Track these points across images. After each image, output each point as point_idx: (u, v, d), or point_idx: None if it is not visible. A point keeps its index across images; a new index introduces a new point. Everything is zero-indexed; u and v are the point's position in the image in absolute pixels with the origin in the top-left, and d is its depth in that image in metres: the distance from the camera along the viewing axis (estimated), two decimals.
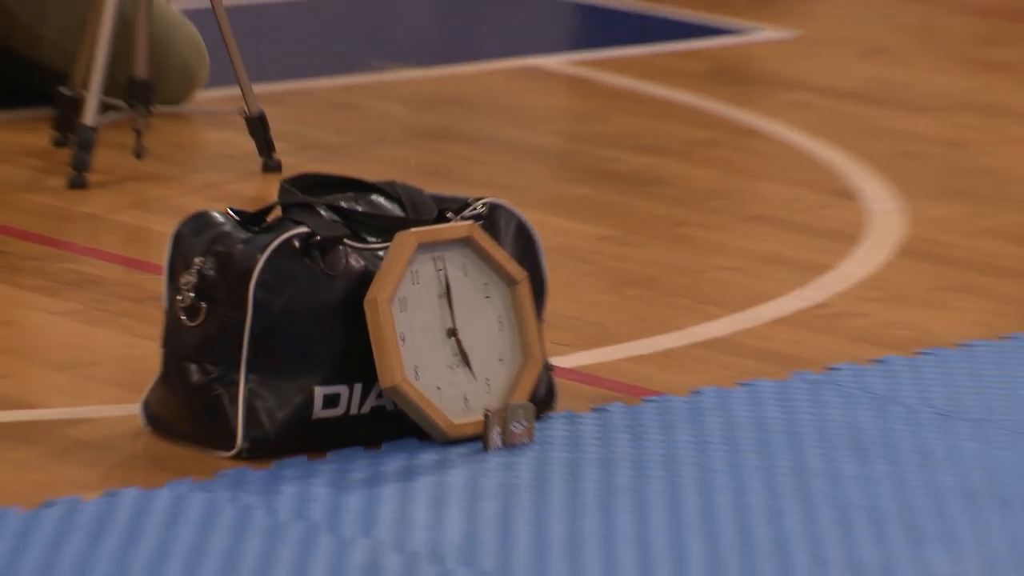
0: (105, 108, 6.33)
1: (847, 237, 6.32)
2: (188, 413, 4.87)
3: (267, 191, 5.10)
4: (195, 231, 4.85)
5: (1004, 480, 5.01)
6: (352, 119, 6.70)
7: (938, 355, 5.65)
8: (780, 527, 4.59)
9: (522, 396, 4.90)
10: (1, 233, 6.11)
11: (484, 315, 4.91)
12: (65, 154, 6.41)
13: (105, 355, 5.31)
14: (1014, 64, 8.05)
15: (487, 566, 4.34)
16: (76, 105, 6.38)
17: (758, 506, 4.70)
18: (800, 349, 5.51)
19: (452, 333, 4.86)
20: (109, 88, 6.36)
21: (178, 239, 4.84)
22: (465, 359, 4.86)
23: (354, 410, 4.84)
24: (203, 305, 4.76)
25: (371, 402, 4.83)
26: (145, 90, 6.47)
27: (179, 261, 4.84)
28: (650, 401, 5.27)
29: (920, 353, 5.64)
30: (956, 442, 5.18)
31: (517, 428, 4.86)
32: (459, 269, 4.88)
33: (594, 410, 5.14)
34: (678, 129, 7.11)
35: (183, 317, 4.79)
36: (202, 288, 4.77)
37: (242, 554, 4.30)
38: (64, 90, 6.37)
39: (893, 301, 5.95)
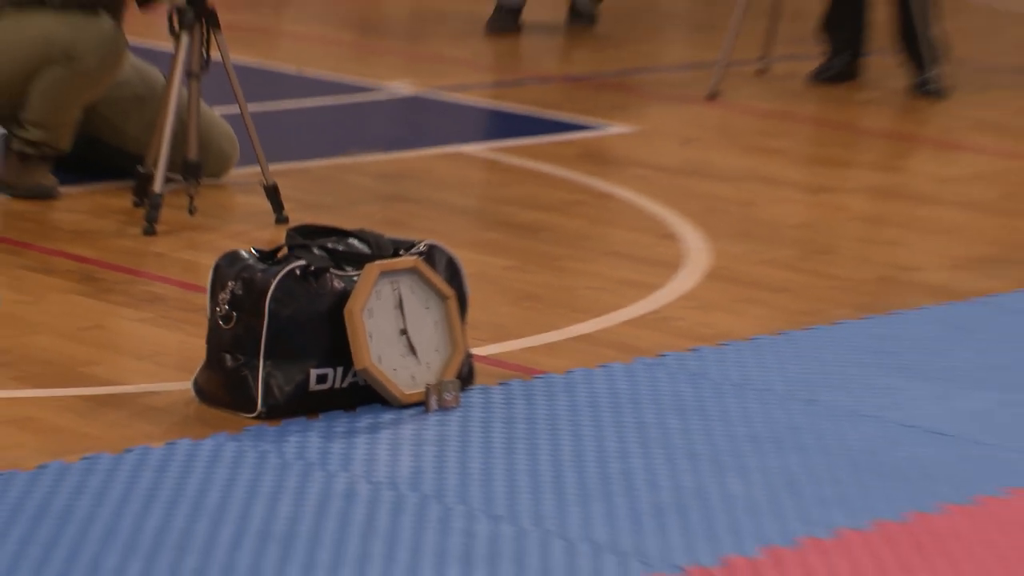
0: (168, 180, 6.34)
1: (672, 266, 6.36)
2: (224, 388, 4.99)
3: (278, 237, 5.13)
4: (229, 263, 4.97)
5: (778, 430, 5.07)
6: (335, 187, 6.73)
7: (734, 346, 5.70)
8: (627, 463, 4.69)
9: (451, 375, 5.05)
10: (97, 266, 6.12)
11: (425, 320, 5.04)
12: (141, 212, 6.41)
13: (168, 348, 5.33)
14: (784, 149, 8.08)
15: (427, 490, 4.44)
16: (148, 179, 6.38)
17: (612, 448, 4.84)
18: (641, 342, 5.57)
19: (403, 332, 4.99)
20: (171, 167, 6.37)
21: (217, 269, 4.94)
22: (412, 350, 4.99)
23: (338, 385, 4.97)
24: (234, 314, 4.87)
25: (349, 379, 4.96)
26: (195, 168, 6.48)
27: (218, 284, 4.94)
28: (538, 378, 5.32)
29: (722, 344, 5.67)
30: (747, 404, 5.24)
31: (448, 396, 5.01)
32: (408, 289, 5.03)
33: (500, 384, 5.22)
34: (558, 193, 7.14)
35: (221, 322, 4.91)
36: (234, 302, 4.89)
37: (261, 483, 4.42)
38: (141, 168, 6.37)
39: (703, 309, 5.99)
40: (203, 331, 4.95)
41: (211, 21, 6.51)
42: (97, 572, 4.00)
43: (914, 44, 8.97)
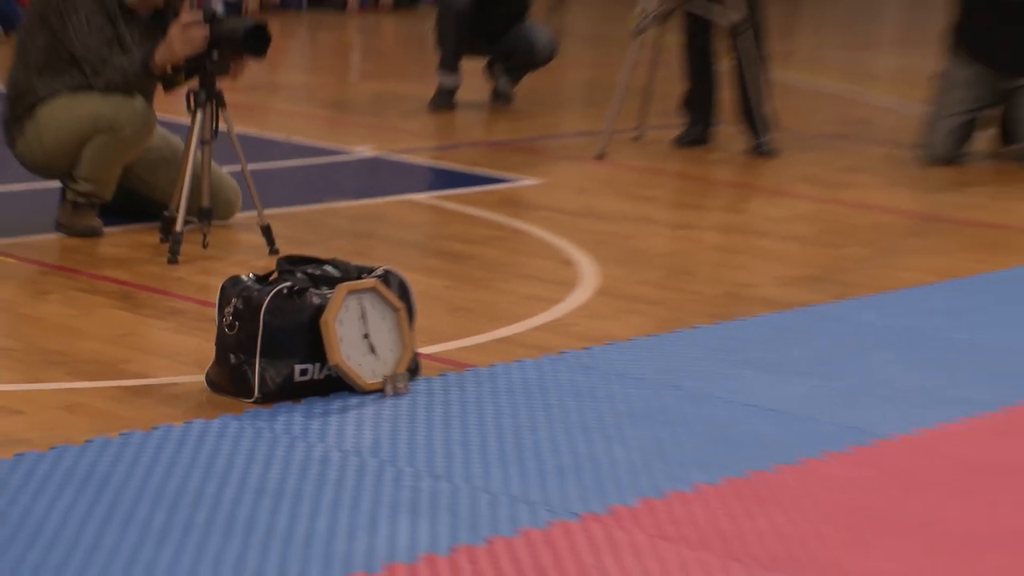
0: (186, 222, 6.30)
1: (570, 285, 6.33)
2: (229, 379, 4.99)
3: (271, 264, 5.08)
4: (232, 285, 5.00)
5: (651, 409, 5.16)
6: (315, 227, 6.67)
7: (616, 345, 5.71)
8: (536, 434, 4.83)
9: (402, 369, 5.06)
10: (132, 287, 6.07)
11: (382, 327, 5.06)
12: (166, 246, 6.35)
13: (186, 350, 5.29)
14: (655, 196, 8.02)
15: (384, 456, 4.44)
16: (172, 221, 6.32)
17: (524, 423, 4.95)
18: (546, 343, 5.53)
19: (366, 337, 5.02)
20: (188, 211, 6.33)
21: (223, 289, 4.95)
22: (373, 350, 5.01)
23: (316, 377, 4.98)
24: (237, 323, 4.89)
25: (324, 372, 4.97)
26: (207, 213, 6.43)
27: (224, 300, 4.96)
28: (468, 370, 5.31)
29: (608, 344, 5.65)
30: (627, 390, 5.24)
31: (400, 385, 5.04)
32: (369, 303, 5.05)
33: (439, 375, 5.21)
34: (483, 230, 7.09)
35: (226, 329, 4.91)
36: (236, 315, 4.92)
37: (257, 452, 4.43)
38: (166, 213, 6.32)
39: (593, 318, 5.96)
40: (213, 336, 4.94)
41: (219, 101, 6.48)
42: (130, 522, 3.97)
43: (751, 117, 8.96)
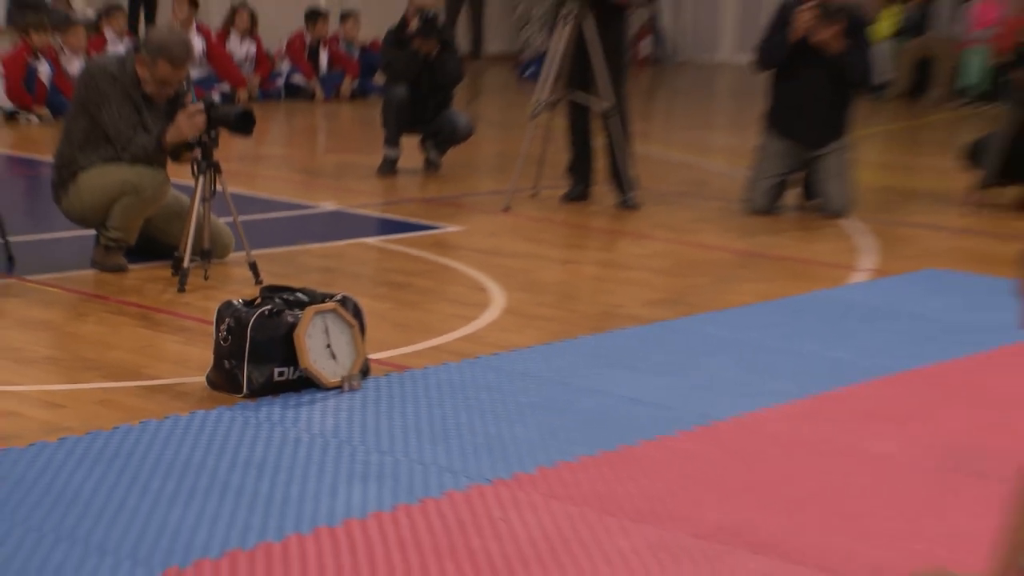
0: (192, 260, 6.24)
1: (483, 306, 6.31)
2: (224, 380, 4.99)
3: (256, 292, 5.03)
4: (226, 307, 5.03)
5: (544, 400, 5.18)
6: (290, 264, 6.64)
7: (519, 352, 5.71)
8: (457, 419, 4.88)
9: (356, 370, 5.06)
10: (149, 310, 6.01)
11: (341, 339, 5.06)
12: (176, 279, 6.28)
13: (191, 358, 5.23)
14: (547, 240, 8.01)
15: (342, 437, 4.45)
16: (180, 260, 6.29)
17: (448, 411, 4.96)
18: (466, 350, 5.54)
19: (328, 347, 5.04)
20: (193, 252, 6.26)
21: (219, 311, 4.99)
22: (334, 357, 5.04)
23: (290, 377, 4.99)
24: (230, 337, 4.92)
25: (297, 374, 4.98)
26: (208, 253, 6.41)
27: (220, 320, 4.99)
28: (407, 371, 5.27)
29: (512, 351, 5.61)
30: (527, 385, 5.28)
31: (355, 383, 5.05)
32: (331, 321, 5.05)
33: (385, 375, 5.19)
34: (418, 265, 7.07)
35: (222, 342, 4.96)
36: (229, 330, 4.94)
37: (245, 435, 4.43)
38: (176, 254, 6.29)
39: (501, 331, 5.94)
40: (211, 347, 4.94)
41: (216, 168, 6.48)
42: (147, 490, 3.97)
43: (619, 179, 8.95)
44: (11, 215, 6.84)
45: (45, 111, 11.37)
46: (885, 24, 16.06)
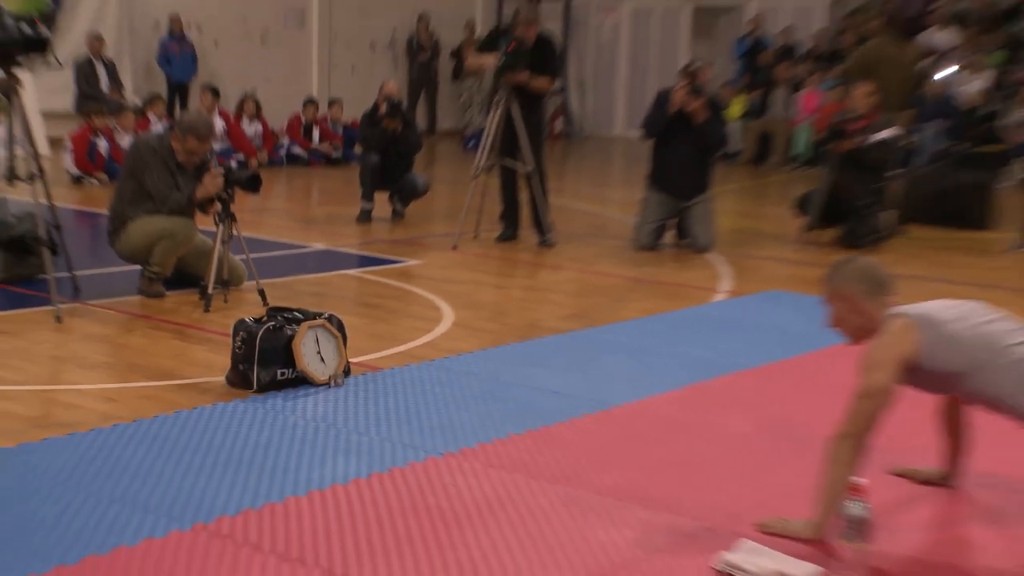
0: (214, 288, 6.20)
1: (437, 320, 6.28)
2: (239, 379, 4.94)
3: (263, 311, 4.99)
4: (240, 323, 4.97)
5: (481, 392, 5.09)
6: (289, 291, 6.61)
7: (464, 356, 5.65)
8: (417, 408, 4.83)
9: (340, 371, 5.01)
10: (182, 326, 5.96)
11: (328, 347, 5.02)
12: (202, 302, 6.22)
13: (215, 362, 5.17)
14: (486, 270, 7.95)
15: (329, 422, 4.40)
16: (205, 287, 6.25)
17: (411, 402, 4.94)
18: (424, 355, 5.50)
19: (319, 353, 4.97)
20: (215, 282, 6.21)
21: (235, 326, 4.96)
22: (323, 360, 4.96)
23: (290, 376, 4.94)
24: (243, 346, 4.87)
25: (294, 374, 4.92)
26: (226, 283, 6.38)
27: (235, 333, 4.95)
28: (379, 372, 5.25)
29: (459, 355, 5.65)
30: (469, 382, 5.22)
31: (339, 381, 4.97)
32: (320, 333, 5.00)
33: (362, 375, 5.12)
34: (388, 291, 7.05)
35: (237, 350, 4.89)
36: (243, 341, 4.90)
37: (255, 421, 4.37)
38: (202, 282, 6.27)
39: (451, 340, 5.92)
40: (229, 354, 4.90)
41: (233, 218, 6.46)
42: (180, 462, 3.93)
43: (539, 224, 8.96)
44: (77, 254, 6.76)
45: (103, 176, 11.37)
46: (736, 108, 16.24)
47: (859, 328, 3.63)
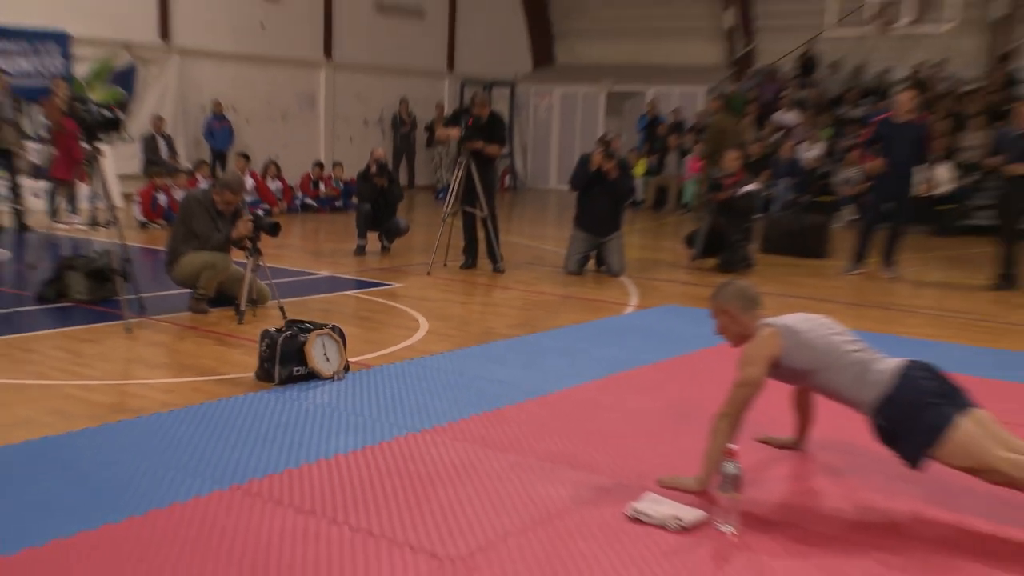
0: (245, 305, 6.12)
1: (416, 329, 6.25)
2: (264, 375, 4.83)
3: (282, 323, 4.93)
4: (265, 332, 4.86)
5: (447, 385, 4.98)
6: (302, 308, 6.52)
7: (437, 357, 5.57)
8: (400, 395, 4.70)
9: (341, 368, 4.90)
10: (220, 335, 5.92)
11: (332, 349, 4.93)
12: (236, 316, 6.14)
13: (247, 362, 5.11)
14: (452, 289, 7.88)
15: (334, 405, 4.33)
16: (239, 305, 6.18)
17: (396, 391, 4.82)
18: (406, 355, 5.50)
19: (325, 355, 4.87)
20: (247, 301, 6.13)
21: (261, 334, 4.84)
22: (328, 360, 4.88)
23: (303, 373, 4.81)
24: (268, 349, 4.80)
25: (306, 371, 4.80)
26: (254, 302, 6.31)
27: (262, 339, 4.84)
28: (372, 368, 5.16)
29: (432, 355, 5.59)
30: (440, 376, 5.11)
31: (341, 375, 4.87)
32: (326, 339, 4.89)
33: (358, 371, 5.05)
34: (377, 307, 6.93)
35: (263, 352, 4.79)
36: (267, 345, 4.80)
37: (277, 407, 4.29)
38: (236, 301, 6.21)
39: (426, 344, 5.87)
40: (256, 355, 4.81)
41: (259, 252, 6.39)
42: (220, 437, 3.89)
43: (492, 255, 8.95)
44: (142, 281, 6.68)
45: (162, 222, 11.33)
46: (639, 167, 16.37)
47: (738, 335, 3.70)
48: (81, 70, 12.83)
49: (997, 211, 8.51)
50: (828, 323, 3.67)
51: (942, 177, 12.88)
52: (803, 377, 3.60)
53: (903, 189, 9.01)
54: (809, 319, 3.67)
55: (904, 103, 9.05)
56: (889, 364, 3.44)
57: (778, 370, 3.57)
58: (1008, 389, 5.13)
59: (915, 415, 3.26)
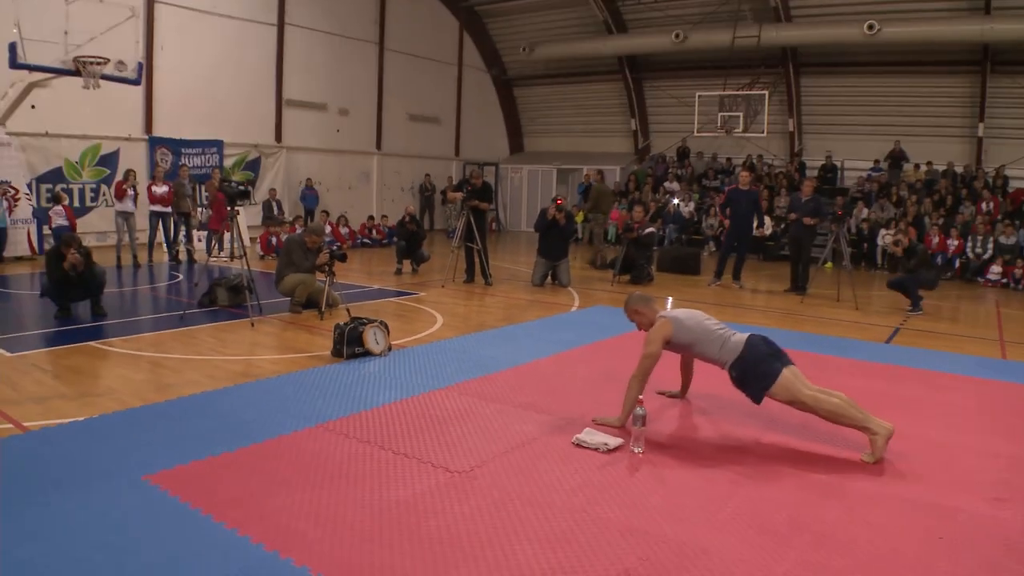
0: (324, 308, 6.02)
1: (435, 323, 6.17)
2: (336, 353, 4.63)
3: (347, 319, 4.82)
4: (336, 326, 4.74)
5: (440, 365, 4.71)
6: (361, 310, 6.34)
7: (447, 341, 5.41)
8: (421, 369, 4.42)
9: (386, 347, 4.72)
10: (310, 327, 5.81)
11: (380, 336, 4.82)
12: (317, 315, 6.01)
13: (324, 344, 5.02)
14: (458, 297, 7.68)
15: (380, 373, 4.23)
16: (320, 307, 6.09)
17: (414, 365, 4.56)
18: (427, 339, 5.31)
19: (376, 338, 4.72)
20: (326, 304, 6.00)
21: (335, 327, 4.76)
22: (378, 343, 4.79)
23: (362, 352, 4.65)
24: (339, 337, 4.67)
25: (364, 351, 4.66)
26: (330, 306, 6.17)
27: (335, 330, 4.71)
28: (404, 349, 5.08)
29: (444, 340, 5.44)
30: (439, 354, 4.92)
31: (387, 353, 4.76)
32: (377, 329, 4.74)
33: (398, 351, 4.94)
34: (407, 309, 6.77)
35: (336, 338, 4.65)
36: (339, 335, 4.67)
37: (345, 374, 4.23)
38: (319, 306, 6.03)
39: (442, 332, 5.77)
40: (331, 340, 4.67)
41: (333, 273, 6.30)
42: (309, 393, 3.82)
43: (484, 273, 8.87)
44: (261, 293, 6.67)
45: (274, 255, 11.21)
46: (579, 217, 16.30)
47: (646, 323, 3.73)
48: (228, 162, 13.37)
49: (791, 247, 9.02)
50: (701, 315, 3.71)
51: (767, 224, 13.19)
52: (686, 348, 3.65)
53: (745, 232, 9.27)
54: (690, 313, 3.72)
55: (744, 178, 9.32)
56: (740, 337, 3.49)
57: (670, 344, 3.62)
58: (807, 357, 5.19)
59: (756, 368, 3.32)
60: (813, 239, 8.82)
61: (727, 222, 9.32)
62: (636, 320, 3.74)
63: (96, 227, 11.37)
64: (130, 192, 9.33)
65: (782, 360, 3.34)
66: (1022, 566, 2.26)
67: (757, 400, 3.37)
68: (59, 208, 9.99)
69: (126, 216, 9.36)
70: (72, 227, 9.92)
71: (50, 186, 10.89)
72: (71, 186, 11.12)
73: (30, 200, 10.08)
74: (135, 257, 9.41)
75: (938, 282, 7.40)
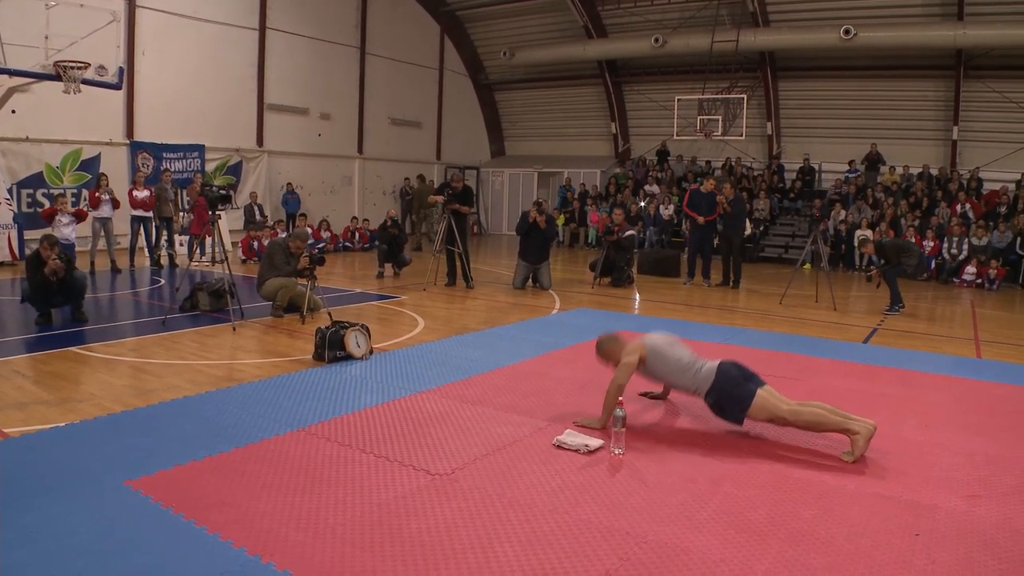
0: (306, 312, 5.99)
1: (415, 326, 6.18)
2: (318, 356, 4.61)
3: (328, 323, 4.82)
4: (319, 329, 4.69)
5: (435, 363, 4.75)
6: (343, 314, 6.33)
7: (427, 344, 5.39)
8: (401, 369, 4.39)
9: (367, 351, 4.71)
10: (290, 331, 5.78)
11: (362, 340, 4.78)
12: (299, 319, 5.98)
13: (307, 348, 4.98)
14: (439, 300, 7.63)
15: (362, 376, 4.21)
16: (302, 311, 6.04)
17: (398, 366, 4.60)
18: (409, 342, 5.32)
19: (357, 342, 4.70)
20: (307, 309, 5.97)
21: (317, 330, 4.73)
22: (359, 346, 4.74)
23: (343, 355, 4.60)
24: (320, 340, 4.65)
25: (345, 354, 4.63)
26: (312, 309, 6.14)
27: (316, 334, 4.67)
28: (387, 352, 5.06)
29: (420, 344, 5.44)
30: (435, 353, 4.93)
31: (367, 357, 4.72)
32: (358, 333, 4.71)
33: (378, 353, 4.93)
34: (391, 312, 6.75)
35: (317, 342, 4.61)
36: (321, 338, 4.66)
37: (327, 377, 4.20)
38: (300, 310, 5.99)
39: (423, 336, 5.79)
40: (313, 343, 4.64)
41: (315, 277, 6.27)
42: (293, 394, 3.80)
43: (465, 276, 8.87)
44: (243, 297, 6.66)
45: (255, 259, 11.13)
46: (560, 220, 16.36)
47: (613, 360, 3.66)
48: (210, 166, 13.28)
49: (722, 244, 9.51)
50: (675, 341, 3.68)
51: (747, 228, 13.33)
52: (661, 378, 3.62)
53: (706, 233, 9.68)
54: (664, 337, 3.67)
55: (707, 184, 9.75)
56: (711, 365, 3.45)
57: (643, 367, 3.58)
58: (785, 357, 5.24)
59: (732, 392, 3.34)
60: (742, 236, 9.45)
61: (696, 216, 9.51)
62: (609, 361, 3.66)
63: (79, 231, 11.31)
64: (104, 198, 9.24)
65: (755, 381, 3.35)
66: (998, 561, 2.23)
67: (739, 423, 3.40)
68: (62, 218, 9.07)
69: (103, 221, 9.30)
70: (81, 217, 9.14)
71: (31, 191, 10.70)
72: (52, 191, 10.91)
73: (10, 206, 9.91)
74: (113, 262, 9.34)
75: (920, 270, 7.39)
